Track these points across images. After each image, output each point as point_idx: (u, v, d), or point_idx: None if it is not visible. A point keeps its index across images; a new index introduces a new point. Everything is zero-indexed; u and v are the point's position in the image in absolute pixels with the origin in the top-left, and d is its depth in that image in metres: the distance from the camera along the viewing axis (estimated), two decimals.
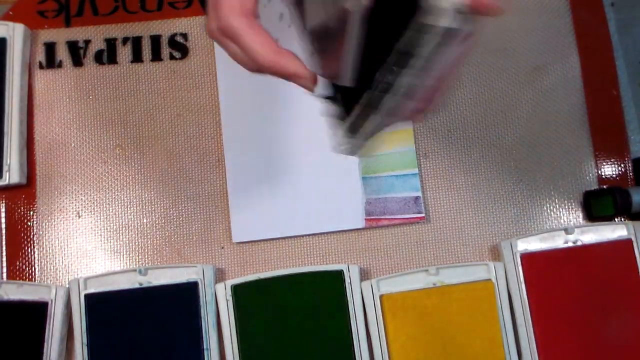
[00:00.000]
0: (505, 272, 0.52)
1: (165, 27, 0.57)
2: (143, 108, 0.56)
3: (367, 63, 0.27)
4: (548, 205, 0.55)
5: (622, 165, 0.56)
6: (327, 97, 0.32)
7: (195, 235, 0.54)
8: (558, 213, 0.55)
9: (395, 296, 0.51)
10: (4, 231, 0.54)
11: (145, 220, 0.54)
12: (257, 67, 0.31)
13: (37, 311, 0.50)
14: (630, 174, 0.56)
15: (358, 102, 0.28)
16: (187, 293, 0.51)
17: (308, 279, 0.51)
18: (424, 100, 0.29)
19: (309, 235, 0.54)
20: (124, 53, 0.57)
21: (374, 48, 0.26)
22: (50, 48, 0.57)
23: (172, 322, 0.51)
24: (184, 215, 0.54)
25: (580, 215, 0.55)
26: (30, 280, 0.53)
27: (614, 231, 0.52)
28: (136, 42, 0.57)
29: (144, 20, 0.57)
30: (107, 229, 0.54)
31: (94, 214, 0.54)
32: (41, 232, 0.54)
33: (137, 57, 0.57)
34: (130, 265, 0.54)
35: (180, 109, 0.56)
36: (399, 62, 0.24)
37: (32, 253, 0.54)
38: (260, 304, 0.51)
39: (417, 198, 0.54)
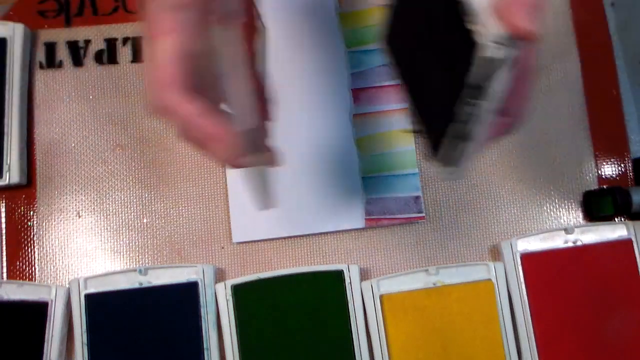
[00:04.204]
0: (505, 272, 0.52)
1: None
2: (143, 108, 0.56)
3: (442, 97, 0.29)
4: (548, 205, 0.55)
5: (622, 165, 0.56)
6: (416, 132, 0.35)
7: (195, 235, 0.54)
8: (558, 213, 0.55)
9: (395, 296, 0.51)
10: (4, 231, 0.54)
11: (145, 220, 0.54)
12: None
13: (37, 311, 0.50)
14: (630, 174, 0.56)
15: (444, 135, 0.30)
16: (187, 293, 0.51)
17: (308, 279, 0.51)
18: (507, 119, 0.31)
19: (309, 235, 0.54)
20: (124, 53, 0.57)
21: (445, 84, 0.28)
22: (50, 48, 0.57)
23: (172, 322, 0.51)
24: (184, 215, 0.54)
25: (580, 215, 0.55)
26: (30, 280, 0.53)
27: (614, 231, 0.52)
28: (136, 42, 0.57)
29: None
30: (107, 229, 0.54)
31: (94, 214, 0.54)
32: (41, 232, 0.54)
33: (137, 57, 0.57)
34: (130, 265, 0.54)
35: None
36: (472, 94, 0.27)
37: (32, 253, 0.54)
38: (260, 304, 0.51)
39: (417, 198, 0.54)
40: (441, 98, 0.30)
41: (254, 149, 0.30)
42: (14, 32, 0.55)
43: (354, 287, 0.51)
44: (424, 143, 0.34)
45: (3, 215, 0.54)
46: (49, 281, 0.53)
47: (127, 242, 0.54)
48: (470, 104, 0.27)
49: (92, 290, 0.51)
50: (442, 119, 0.30)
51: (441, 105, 0.30)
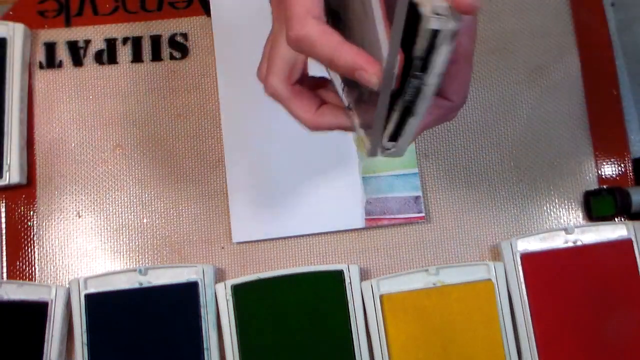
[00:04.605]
0: (505, 272, 0.52)
1: (165, 27, 0.57)
2: (143, 108, 0.56)
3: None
4: (548, 205, 0.55)
5: (622, 165, 0.56)
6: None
7: (195, 235, 0.54)
8: (558, 213, 0.55)
9: (395, 296, 0.51)
10: (4, 231, 0.54)
11: (145, 220, 0.54)
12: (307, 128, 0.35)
13: (37, 311, 0.50)
14: (630, 174, 0.56)
15: (392, 110, 0.30)
16: (187, 293, 0.51)
17: (308, 279, 0.51)
18: (447, 102, 0.32)
19: (309, 235, 0.54)
20: (124, 53, 0.57)
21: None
22: (50, 48, 0.57)
23: (172, 322, 0.51)
24: (184, 215, 0.54)
25: (580, 215, 0.55)
26: (30, 280, 0.53)
27: (614, 231, 0.52)
28: (136, 42, 0.57)
29: (144, 20, 0.57)
30: (107, 229, 0.54)
31: (94, 214, 0.54)
32: (41, 232, 0.54)
33: (137, 57, 0.57)
34: (130, 265, 0.54)
35: (181, 109, 0.56)
36: (420, 67, 0.27)
37: (32, 253, 0.54)
38: (260, 304, 0.51)
39: (417, 198, 0.54)
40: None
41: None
42: (14, 32, 0.55)
43: (354, 287, 0.51)
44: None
45: (3, 215, 0.54)
46: (49, 281, 0.53)
47: (127, 242, 0.54)
48: (415, 76, 0.27)
49: (92, 290, 0.51)
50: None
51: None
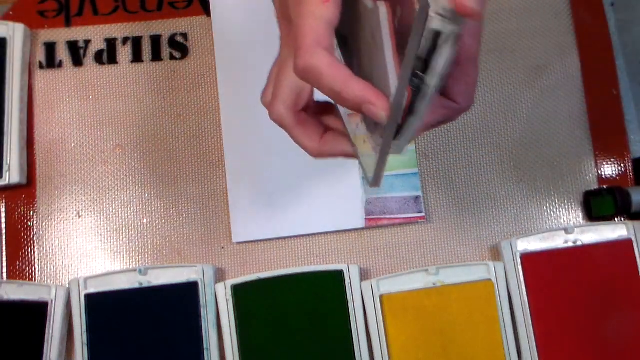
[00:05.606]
0: (505, 272, 0.52)
1: (165, 27, 0.57)
2: (143, 108, 0.56)
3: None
4: (548, 205, 0.55)
5: (622, 165, 0.56)
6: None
7: (195, 235, 0.54)
8: (558, 213, 0.55)
9: (395, 296, 0.51)
10: (4, 231, 0.54)
11: (145, 220, 0.54)
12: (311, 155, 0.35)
13: (37, 311, 0.50)
14: (630, 174, 0.56)
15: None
16: (187, 293, 0.51)
17: (308, 279, 0.51)
18: (452, 103, 0.33)
19: (309, 235, 0.54)
20: (124, 53, 0.57)
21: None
22: (50, 48, 0.57)
23: (172, 322, 0.51)
24: (184, 215, 0.54)
25: (580, 215, 0.55)
26: (30, 280, 0.53)
27: (614, 231, 0.52)
28: (136, 42, 0.57)
29: (144, 20, 0.57)
30: (107, 229, 0.54)
31: (94, 214, 0.54)
32: (41, 232, 0.54)
33: (137, 57, 0.57)
34: (130, 265, 0.54)
35: (181, 109, 0.56)
36: (422, 67, 0.27)
37: (32, 253, 0.54)
38: (260, 304, 0.51)
39: (417, 198, 0.54)
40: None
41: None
42: (14, 32, 0.55)
43: (354, 287, 0.51)
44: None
45: (3, 215, 0.54)
46: (49, 281, 0.53)
47: (127, 242, 0.54)
48: (416, 76, 0.27)
49: (92, 290, 0.51)
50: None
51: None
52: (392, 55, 0.27)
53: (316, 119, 0.35)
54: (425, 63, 0.27)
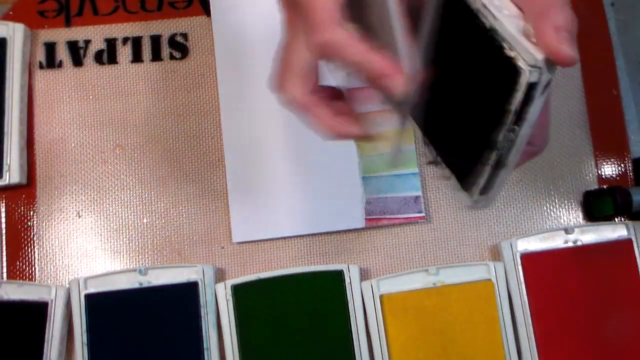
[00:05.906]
0: (505, 272, 0.52)
1: (165, 27, 0.57)
2: (143, 108, 0.56)
3: (480, 124, 0.29)
4: (548, 205, 0.55)
5: (622, 165, 0.56)
6: (431, 162, 0.35)
7: (195, 235, 0.54)
8: (558, 213, 0.55)
9: (395, 296, 0.51)
10: (4, 231, 0.54)
11: (145, 220, 0.54)
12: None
13: (37, 311, 0.50)
14: (630, 174, 0.56)
15: (477, 163, 0.30)
16: (187, 293, 0.51)
17: (308, 279, 0.51)
18: (531, 147, 0.32)
19: (309, 235, 0.54)
20: (124, 53, 0.57)
21: (482, 110, 0.29)
22: (50, 48, 0.57)
23: (172, 322, 0.51)
24: (184, 215, 0.54)
25: (580, 215, 0.55)
26: (30, 280, 0.53)
27: (614, 231, 0.52)
28: (136, 42, 0.57)
29: (144, 20, 0.57)
30: (107, 229, 0.54)
31: (94, 214, 0.54)
32: (41, 232, 0.54)
33: (137, 57, 0.57)
34: (130, 265, 0.54)
35: (181, 109, 0.56)
36: (512, 120, 0.27)
37: (32, 253, 0.54)
38: (260, 304, 0.51)
39: (417, 198, 0.54)
40: (472, 127, 0.30)
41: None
42: (14, 32, 0.55)
43: (354, 287, 0.51)
44: (441, 173, 0.34)
45: (3, 215, 0.54)
46: (49, 281, 0.53)
47: (127, 242, 0.54)
48: (510, 130, 0.27)
49: (92, 290, 0.51)
50: (473, 148, 0.30)
51: (472, 134, 0.30)
52: (402, 31, 0.27)
53: (328, 100, 0.34)
54: (517, 115, 0.27)
